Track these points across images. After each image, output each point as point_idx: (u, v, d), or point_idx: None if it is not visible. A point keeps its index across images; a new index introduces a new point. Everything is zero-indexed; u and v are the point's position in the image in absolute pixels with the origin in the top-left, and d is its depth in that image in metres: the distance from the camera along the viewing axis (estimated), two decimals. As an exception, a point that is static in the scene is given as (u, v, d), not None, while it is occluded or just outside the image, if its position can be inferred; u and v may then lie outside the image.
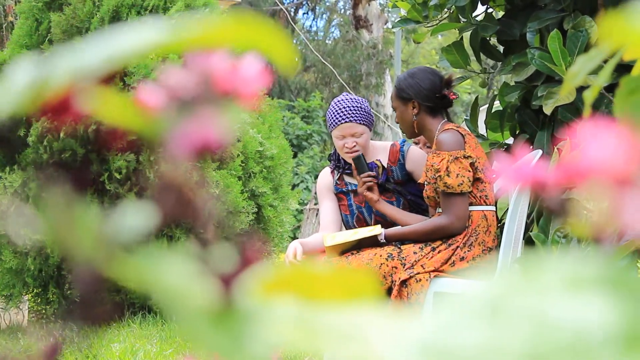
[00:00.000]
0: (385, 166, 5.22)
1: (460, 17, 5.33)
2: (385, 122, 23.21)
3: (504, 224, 4.80)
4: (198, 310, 0.40)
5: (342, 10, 30.85)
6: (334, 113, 5.20)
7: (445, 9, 5.42)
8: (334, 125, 5.19)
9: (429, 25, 5.53)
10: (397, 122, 5.12)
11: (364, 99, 5.32)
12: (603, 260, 0.37)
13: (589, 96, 1.75)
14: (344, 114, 5.14)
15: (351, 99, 5.23)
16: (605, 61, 1.51)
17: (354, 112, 5.15)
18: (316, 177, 20.42)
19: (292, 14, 28.90)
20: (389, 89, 24.42)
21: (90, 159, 7.93)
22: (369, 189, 5.05)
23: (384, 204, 5.04)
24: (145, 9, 8.40)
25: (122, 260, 0.41)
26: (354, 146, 5.11)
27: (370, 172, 5.06)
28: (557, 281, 0.38)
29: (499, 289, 0.39)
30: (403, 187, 5.24)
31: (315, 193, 16.75)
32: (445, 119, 4.96)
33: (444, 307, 0.39)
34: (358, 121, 5.12)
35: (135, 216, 0.41)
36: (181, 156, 0.42)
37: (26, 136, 7.85)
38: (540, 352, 0.35)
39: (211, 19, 0.42)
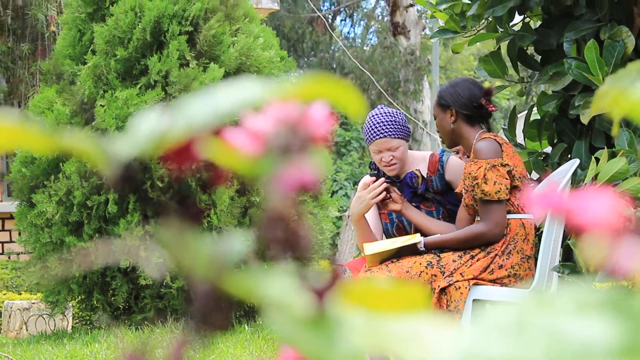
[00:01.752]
0: (425, 176, 5.25)
1: (498, 27, 5.36)
2: (423, 129, 23.17)
3: (542, 232, 4.84)
4: (296, 318, 0.49)
5: (380, 17, 30.80)
6: (369, 128, 5.23)
7: (483, 19, 5.45)
8: (370, 141, 5.22)
9: (466, 35, 5.57)
10: (438, 131, 5.16)
11: (399, 112, 5.33)
12: (607, 288, 0.46)
13: (617, 116, 1.84)
14: (379, 130, 5.18)
15: (385, 112, 5.24)
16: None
17: (389, 126, 5.18)
18: (355, 183, 20.44)
19: (329, 20, 28.90)
20: (427, 95, 24.35)
21: (201, 198, 8.06)
22: (385, 203, 5.10)
23: (410, 211, 5.07)
24: (187, 20, 8.48)
25: (233, 277, 0.50)
26: (391, 160, 5.14)
27: (382, 182, 5.11)
28: (570, 304, 0.47)
29: (523, 310, 0.48)
30: (442, 197, 5.28)
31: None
32: (484, 129, 4.99)
33: (480, 322, 0.48)
34: (393, 135, 5.15)
35: (241, 242, 0.51)
36: (282, 194, 0.51)
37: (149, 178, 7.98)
38: (558, 356, 0.45)
39: (298, 82, 0.52)
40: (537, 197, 0.62)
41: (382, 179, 5.13)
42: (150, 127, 0.54)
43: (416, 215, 5.08)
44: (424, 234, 5.07)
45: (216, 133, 0.53)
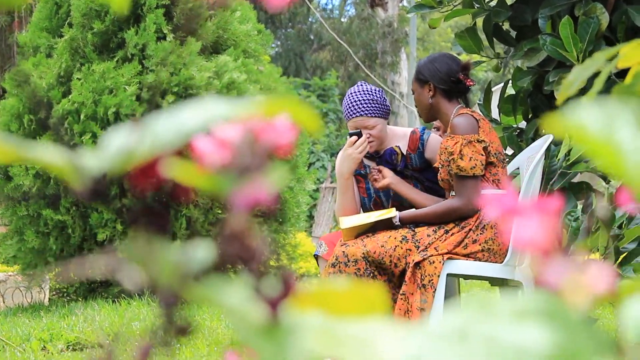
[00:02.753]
0: (405, 153, 5.27)
1: (474, 2, 5.37)
2: (400, 101, 23.21)
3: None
4: (252, 327, 0.53)
5: (358, -12, 30.77)
6: (347, 106, 5.25)
7: (459, -6, 5.47)
8: (347, 118, 5.25)
9: (443, 10, 5.58)
10: (416, 106, 5.19)
11: (379, 89, 5.33)
12: (540, 297, 0.50)
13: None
14: (357, 108, 5.19)
15: (364, 90, 5.25)
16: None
17: (367, 104, 5.20)
18: (332, 154, 20.46)
19: (308, -9, 28.83)
20: (404, 67, 24.34)
21: (168, 211, 8.06)
22: (376, 179, 5.13)
23: (400, 185, 5.08)
24: (164, -7, 8.48)
25: (194, 286, 0.53)
26: (368, 137, 5.16)
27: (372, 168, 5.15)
28: (508, 312, 0.51)
29: (466, 318, 0.51)
30: (421, 174, 5.30)
31: (332, 171, 16.81)
32: (461, 104, 5.02)
33: (426, 329, 0.51)
34: (370, 114, 5.16)
35: (202, 253, 0.54)
36: (238, 209, 0.54)
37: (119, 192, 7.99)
38: None
39: (259, 100, 0.55)
40: (491, 200, 0.64)
41: (365, 134, 5.15)
42: (119, 144, 0.57)
43: (406, 188, 5.10)
44: (405, 208, 5.11)
45: (180, 151, 0.56)
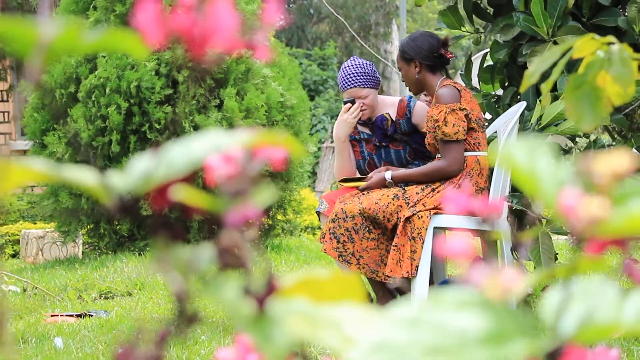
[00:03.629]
0: (394, 119, 5.33)
1: (455, -17, 5.39)
2: (392, 68, 23.13)
3: (493, 167, 4.93)
4: (244, 316, 0.58)
5: (353, -34, 30.57)
6: (342, 78, 5.33)
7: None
8: (343, 89, 5.32)
9: (428, -11, 5.60)
10: (403, 81, 5.21)
11: (369, 62, 5.38)
12: (476, 292, 0.55)
13: (545, 88, 1.92)
14: (350, 80, 5.27)
15: (356, 64, 5.31)
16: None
17: (359, 77, 5.26)
18: (332, 117, 20.44)
19: (307, -30, 28.66)
20: (395, 37, 24.25)
21: (180, 225, 8.11)
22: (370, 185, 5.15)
23: (395, 172, 5.10)
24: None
25: (200, 284, 0.59)
26: (361, 106, 5.23)
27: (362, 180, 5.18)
28: (452, 302, 0.56)
29: (419, 307, 0.57)
30: (409, 137, 5.36)
31: (332, 133, 16.83)
32: (445, 76, 5.06)
33: (387, 315, 0.57)
34: (362, 85, 5.24)
35: (206, 255, 0.59)
36: (232, 225, 0.60)
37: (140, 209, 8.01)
38: (439, 345, 0.54)
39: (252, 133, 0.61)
40: (451, 197, 0.69)
41: (358, 102, 5.22)
42: (141, 169, 0.63)
43: (401, 172, 5.10)
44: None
45: (189, 176, 0.62)
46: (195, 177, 0.62)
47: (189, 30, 0.57)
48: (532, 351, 0.53)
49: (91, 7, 8.68)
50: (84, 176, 0.63)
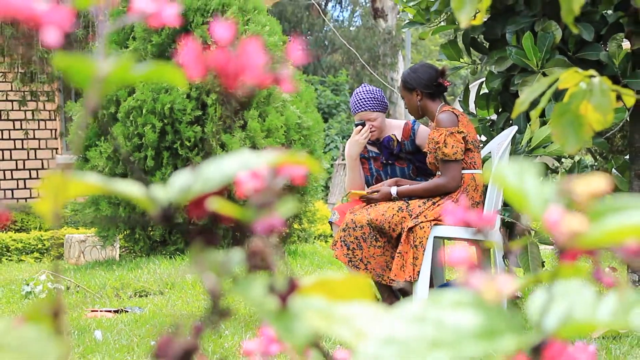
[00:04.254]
0: (400, 140, 5.36)
1: (455, 20, 5.40)
2: (398, 94, 23.13)
3: (488, 184, 4.94)
4: (269, 311, 0.60)
5: (363, 3, 30.60)
6: (354, 103, 5.36)
7: (443, 13, 5.49)
8: (354, 112, 5.35)
9: (430, 26, 5.61)
10: (406, 108, 5.23)
11: (378, 89, 5.40)
12: (471, 293, 0.57)
13: (534, 114, 1.94)
14: (361, 104, 5.29)
15: (367, 90, 5.34)
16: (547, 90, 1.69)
17: (369, 102, 5.28)
18: (343, 137, 20.45)
19: (322, 6, 28.71)
20: (401, 66, 24.25)
21: (215, 230, 8.08)
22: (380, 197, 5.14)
23: (401, 189, 5.08)
24: (208, 12, 8.48)
25: (230, 283, 0.61)
26: (371, 127, 5.26)
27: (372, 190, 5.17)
28: (451, 302, 0.58)
29: (422, 306, 0.58)
30: (413, 156, 5.38)
31: (343, 151, 16.82)
32: (443, 102, 5.08)
33: (395, 313, 0.58)
34: (372, 109, 5.26)
35: (236, 259, 0.61)
36: (259, 232, 0.61)
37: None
38: (440, 340, 0.55)
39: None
40: (450, 210, 0.70)
41: (368, 125, 5.24)
42: (181, 183, 0.65)
43: (405, 188, 5.09)
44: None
45: (221, 190, 0.63)
46: (226, 191, 0.64)
47: (223, 66, 0.59)
48: (519, 345, 0.55)
49: (130, 37, 8.73)
50: (132, 189, 0.65)
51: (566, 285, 0.60)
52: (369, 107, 5.28)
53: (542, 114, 4.81)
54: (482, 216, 0.65)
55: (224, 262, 0.62)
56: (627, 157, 5.25)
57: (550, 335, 0.56)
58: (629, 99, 1.72)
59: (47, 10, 0.54)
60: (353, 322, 0.63)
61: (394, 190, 5.03)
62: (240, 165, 0.64)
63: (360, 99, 5.32)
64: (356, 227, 4.90)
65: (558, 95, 4.15)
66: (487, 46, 5.56)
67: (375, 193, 5.10)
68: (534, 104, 1.89)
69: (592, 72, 1.64)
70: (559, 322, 0.57)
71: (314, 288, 0.67)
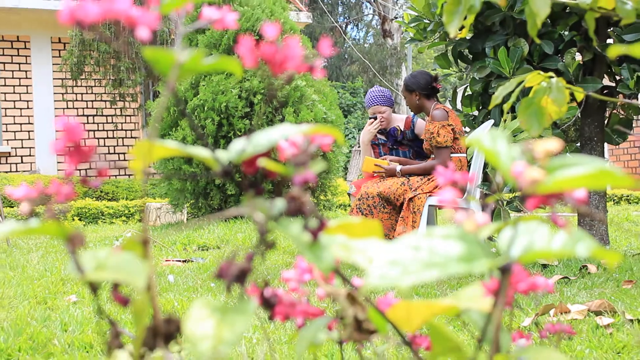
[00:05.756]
0: (402, 130, 5.36)
1: (446, 37, 5.37)
2: (401, 96, 23.07)
3: (471, 163, 4.92)
4: (304, 243, 0.61)
5: (375, 25, 30.45)
6: (368, 99, 5.37)
7: (437, 32, 5.45)
8: (368, 107, 5.35)
9: (427, 42, 5.58)
10: (407, 105, 5.23)
11: (386, 89, 5.42)
12: (457, 229, 0.58)
13: (506, 107, 1.93)
14: (373, 100, 5.30)
15: (378, 90, 5.36)
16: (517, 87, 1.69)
17: (379, 98, 5.29)
18: (359, 130, 20.41)
19: (343, 28, 28.59)
20: (404, 75, 24.18)
21: (261, 182, 8.07)
22: (390, 174, 5.11)
23: (404, 168, 5.06)
24: (254, 32, 8.48)
25: (274, 222, 0.62)
26: (381, 118, 5.27)
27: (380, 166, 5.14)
28: (441, 234, 0.59)
29: (419, 237, 0.60)
30: (412, 143, 5.38)
31: (359, 141, 16.82)
32: (436, 101, 5.06)
33: (398, 241, 0.60)
34: (382, 104, 5.27)
35: (279, 205, 0.63)
36: (297, 184, 0.63)
37: (236, 172, 8.09)
38: (432, 261, 0.57)
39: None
40: (442, 173, 0.71)
41: (379, 117, 5.26)
42: (238, 147, 0.66)
43: (406, 167, 5.09)
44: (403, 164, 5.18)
45: (267, 153, 0.65)
46: (271, 154, 0.65)
47: (271, 57, 0.60)
48: (491, 267, 0.56)
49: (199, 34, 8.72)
50: (202, 152, 0.66)
51: (528, 225, 0.61)
52: (380, 102, 5.30)
53: (513, 110, 4.78)
54: (467, 176, 0.66)
55: (270, 206, 0.63)
56: (578, 144, 5.22)
57: (516, 260, 0.57)
58: (579, 95, 1.74)
59: (140, 14, 0.55)
60: (366, 252, 0.64)
61: (398, 169, 5.03)
62: (281, 134, 0.65)
63: (374, 96, 5.34)
64: (368, 197, 4.91)
65: (525, 93, 4.12)
66: (470, 58, 5.52)
67: (388, 163, 5.10)
68: (505, 100, 1.88)
69: (551, 73, 1.64)
70: (522, 250, 0.58)
71: (337, 229, 0.68)
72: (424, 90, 5.00)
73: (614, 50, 0.68)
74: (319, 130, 0.65)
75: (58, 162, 13.82)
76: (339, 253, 0.62)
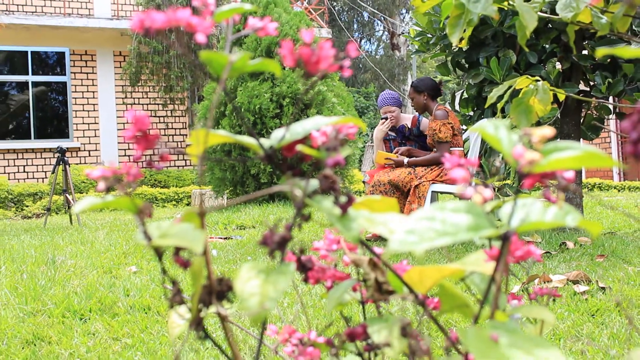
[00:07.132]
0: (409, 127, 5.34)
1: (446, 49, 5.34)
2: (408, 100, 22.99)
3: (467, 153, 4.89)
4: (335, 215, 0.61)
5: (385, 40, 30.30)
6: (380, 100, 5.35)
7: (438, 45, 5.42)
8: (380, 107, 5.34)
9: (430, 53, 5.55)
10: (413, 106, 5.20)
11: (396, 92, 5.41)
12: (465, 202, 0.58)
13: (498, 106, 1.91)
14: (385, 101, 5.28)
15: (389, 93, 5.35)
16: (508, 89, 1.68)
17: (390, 100, 5.27)
18: (372, 128, 20.34)
19: (358, 42, 28.47)
20: (409, 81, 24.08)
21: (299, 165, 8.05)
22: (398, 165, 5.08)
23: (410, 160, 5.04)
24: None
25: (309, 199, 0.62)
26: (391, 117, 5.25)
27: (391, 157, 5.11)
28: (451, 208, 0.59)
29: (433, 209, 0.59)
30: (418, 138, 5.35)
31: (372, 138, 16.73)
32: (439, 103, 5.04)
33: (414, 216, 0.59)
34: (392, 105, 5.25)
35: (313, 183, 0.63)
36: (329, 166, 0.63)
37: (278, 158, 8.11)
38: (444, 231, 0.56)
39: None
40: (448, 160, 0.70)
41: (390, 116, 5.24)
42: (278, 135, 0.66)
43: (413, 159, 5.07)
44: (410, 157, 5.16)
45: (302, 140, 0.65)
46: (306, 141, 0.65)
47: (308, 57, 0.60)
48: (494, 235, 0.56)
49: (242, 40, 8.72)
50: (248, 139, 0.66)
51: (525, 200, 0.60)
52: (391, 103, 5.29)
53: (503, 111, 4.74)
54: (467, 160, 0.65)
55: (306, 184, 0.63)
56: (558, 140, 5.18)
57: (514, 229, 0.57)
58: (561, 96, 1.72)
59: (198, 21, 0.55)
60: (387, 224, 0.64)
61: (405, 161, 5.01)
62: (314, 124, 0.65)
63: (385, 98, 5.33)
64: (380, 184, 4.90)
65: (515, 95, 4.09)
66: (467, 66, 5.48)
67: (397, 156, 5.09)
68: (498, 100, 1.87)
69: (537, 77, 1.62)
70: (519, 221, 0.58)
71: (362, 204, 0.68)
72: (431, 91, 4.99)
73: (601, 52, 0.68)
74: (345, 120, 0.65)
75: (119, 156, 13.92)
76: (365, 224, 0.62)
